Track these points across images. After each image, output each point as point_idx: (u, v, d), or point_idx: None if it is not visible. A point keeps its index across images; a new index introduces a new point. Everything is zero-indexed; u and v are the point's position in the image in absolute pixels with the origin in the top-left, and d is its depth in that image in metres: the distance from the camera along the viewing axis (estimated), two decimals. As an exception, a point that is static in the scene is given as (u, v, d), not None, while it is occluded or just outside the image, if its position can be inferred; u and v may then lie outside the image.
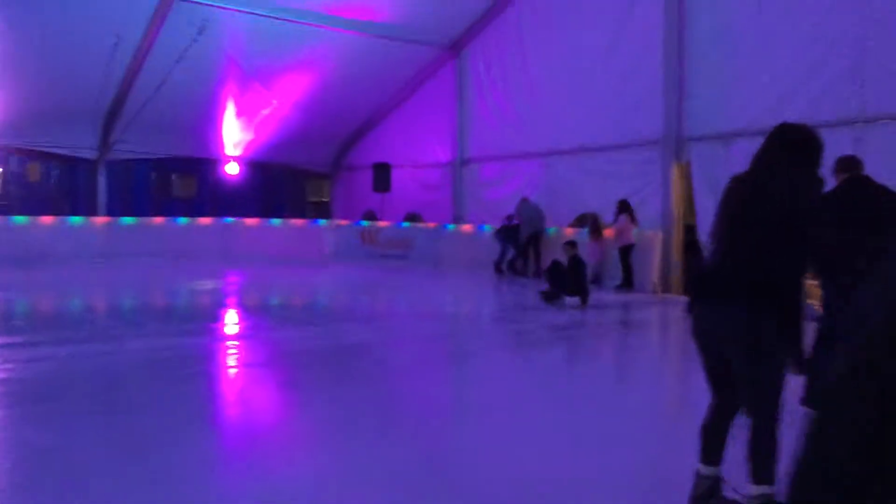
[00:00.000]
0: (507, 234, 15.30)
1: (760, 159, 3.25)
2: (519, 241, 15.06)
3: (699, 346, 3.26)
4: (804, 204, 3.06)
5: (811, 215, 3.09)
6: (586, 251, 12.55)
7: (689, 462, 4.31)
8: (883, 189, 4.96)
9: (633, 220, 13.12)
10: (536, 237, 14.83)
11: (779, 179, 3.11)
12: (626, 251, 13.10)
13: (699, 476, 3.33)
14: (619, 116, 13.83)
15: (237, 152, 20.16)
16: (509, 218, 15.34)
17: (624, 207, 13.16)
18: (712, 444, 3.31)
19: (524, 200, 15.10)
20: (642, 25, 13.43)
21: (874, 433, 0.84)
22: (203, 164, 20.34)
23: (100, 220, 17.58)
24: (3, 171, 17.47)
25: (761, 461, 3.03)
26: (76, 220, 17.10)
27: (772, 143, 3.25)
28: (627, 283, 13.06)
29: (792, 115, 11.00)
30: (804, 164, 3.16)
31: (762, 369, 3.04)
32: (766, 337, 2.98)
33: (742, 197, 3.18)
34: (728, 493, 3.32)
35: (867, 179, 5.11)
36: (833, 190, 4.97)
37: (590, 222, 13.91)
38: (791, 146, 3.20)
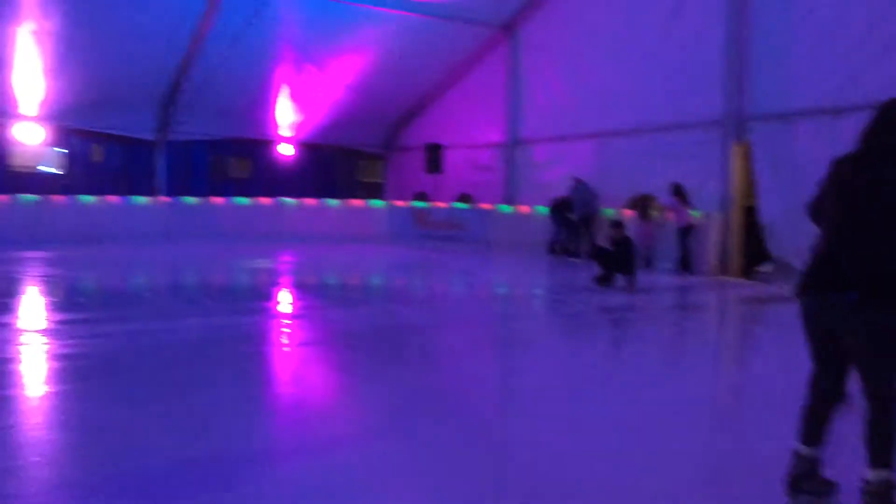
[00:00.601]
0: (560, 214, 15.14)
1: (873, 140, 3.14)
2: (571, 222, 14.90)
3: (809, 332, 3.28)
4: None
5: None
6: (634, 233, 12.33)
7: (748, 447, 4.20)
8: None
9: (684, 202, 12.85)
10: (589, 218, 14.64)
11: (888, 162, 3.03)
12: (683, 233, 12.85)
13: (798, 456, 3.34)
14: (678, 96, 13.49)
15: (291, 134, 20.36)
16: (558, 200, 15.16)
17: (675, 191, 12.91)
18: (814, 425, 3.32)
19: (578, 181, 14.90)
20: (703, 1, 13.05)
21: None
22: (257, 146, 20.60)
23: (161, 200, 18.00)
24: (69, 152, 17.98)
25: (880, 445, 3.04)
26: (139, 199, 17.55)
27: (885, 122, 3.13)
28: (685, 265, 12.81)
29: (861, 95, 10.69)
30: None
31: (882, 358, 3.05)
32: (886, 327, 2.99)
33: (858, 183, 3.08)
34: (825, 474, 3.33)
35: None
36: None
37: (638, 204, 13.68)
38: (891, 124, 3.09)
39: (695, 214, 12.92)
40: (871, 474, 3.04)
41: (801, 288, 3.27)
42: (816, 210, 3.36)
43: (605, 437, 4.33)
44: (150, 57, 15.89)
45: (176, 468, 3.66)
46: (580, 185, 14.80)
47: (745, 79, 12.41)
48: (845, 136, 11.97)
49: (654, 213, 13.52)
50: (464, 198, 19.35)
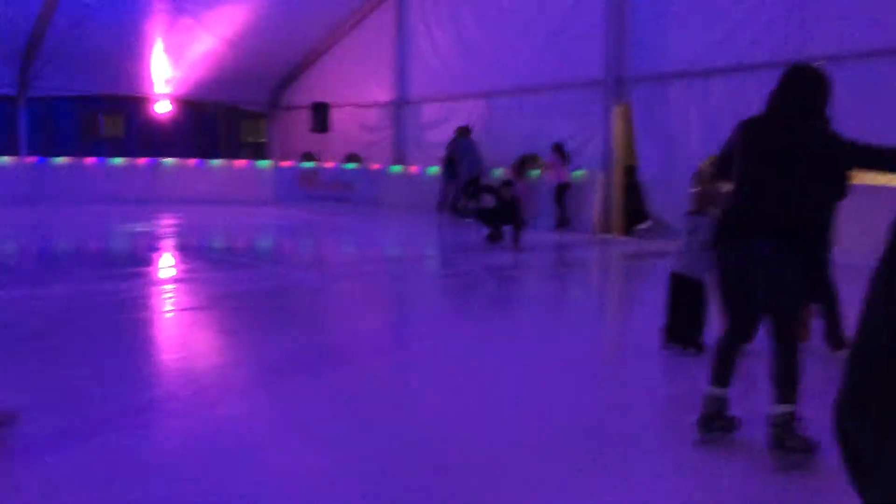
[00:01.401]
0: (448, 173, 15.15)
1: (784, 103, 3.40)
2: (460, 180, 14.91)
3: (722, 276, 3.54)
4: (838, 147, 3.29)
5: (844, 158, 3.35)
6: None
7: (634, 397, 4.39)
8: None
9: (563, 161, 13.20)
10: (477, 178, 14.72)
11: (808, 122, 3.32)
12: (560, 190, 13.23)
13: (709, 397, 3.55)
14: (561, 56, 13.71)
15: (168, 90, 19.35)
16: (446, 158, 15.17)
17: (554, 149, 13.26)
18: (724, 366, 3.55)
19: (463, 137, 14.83)
20: (585, -37, 13.25)
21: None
22: (132, 103, 19.48)
23: (25, 161, 16.74)
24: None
25: (785, 382, 3.31)
26: (-2, 160, 16.27)
27: (791, 85, 3.41)
28: (562, 222, 13.21)
29: (732, 57, 11.19)
30: (821, 105, 3.38)
31: (791, 300, 3.35)
32: (795, 270, 3.29)
33: (775, 145, 3.34)
34: (731, 413, 3.57)
35: None
36: None
37: (518, 163, 13.91)
38: (808, 87, 3.39)
39: (576, 174, 13.26)
40: (777, 409, 3.32)
41: (717, 237, 3.52)
42: (725, 165, 3.62)
43: (494, 393, 4.41)
44: (6, 3, 14.59)
45: (47, 445, 3.45)
46: (467, 143, 14.80)
47: (626, 40, 12.74)
48: (715, 97, 12.55)
49: (533, 172, 13.77)
50: (352, 158, 19.07)
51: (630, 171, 12.98)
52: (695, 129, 11.64)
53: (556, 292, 8.64)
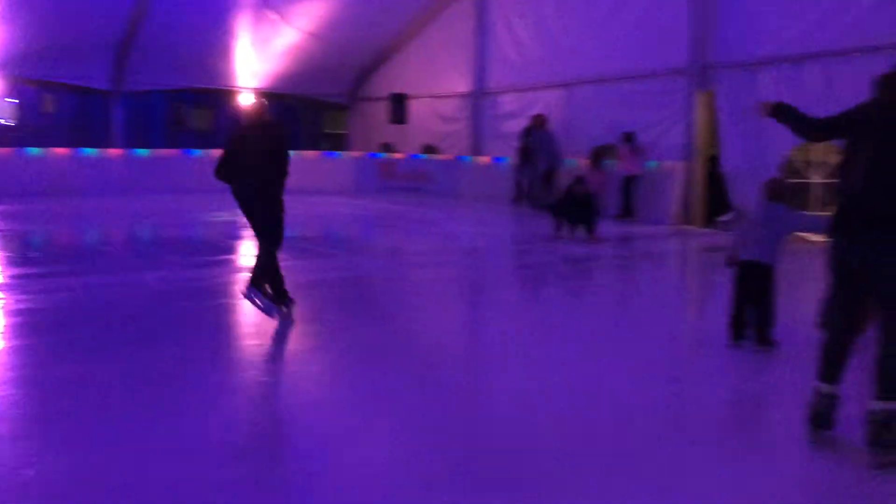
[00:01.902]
0: (523, 161, 15.02)
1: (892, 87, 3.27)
2: (537, 172, 14.77)
3: (836, 268, 3.43)
4: None
5: None
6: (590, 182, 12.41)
7: (713, 392, 4.27)
8: None
9: (635, 150, 12.94)
10: (553, 170, 14.56)
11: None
12: (626, 182, 12.98)
13: (819, 394, 3.48)
14: (643, 45, 13.39)
15: (253, 83, 19.87)
16: (523, 148, 15.05)
17: (626, 139, 13.00)
18: (834, 363, 3.46)
19: (540, 127, 14.68)
20: (669, -52, 12.90)
21: None
22: (218, 96, 20.08)
23: (117, 152, 17.51)
24: (19, 102, 17.36)
25: (889, 378, 3.23)
26: (91, 151, 17.03)
27: None
28: (626, 212, 12.97)
29: (826, 41, 10.68)
30: None
31: None
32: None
33: (884, 131, 3.24)
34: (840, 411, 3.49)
35: None
36: None
37: (594, 153, 13.69)
38: None
39: (651, 165, 12.98)
40: (878, 405, 3.23)
41: (833, 228, 3.43)
42: (830, 130, 3.62)
43: (558, 385, 4.37)
44: (104, 2, 15.27)
45: (136, 422, 3.61)
46: (544, 133, 14.66)
47: (710, 27, 12.34)
48: (806, 84, 12.05)
49: (609, 162, 13.55)
50: (429, 149, 19.16)
51: (713, 161, 12.60)
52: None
53: (630, 285, 8.48)
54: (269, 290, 5.72)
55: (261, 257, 5.71)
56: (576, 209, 10.61)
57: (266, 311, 5.59)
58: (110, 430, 3.51)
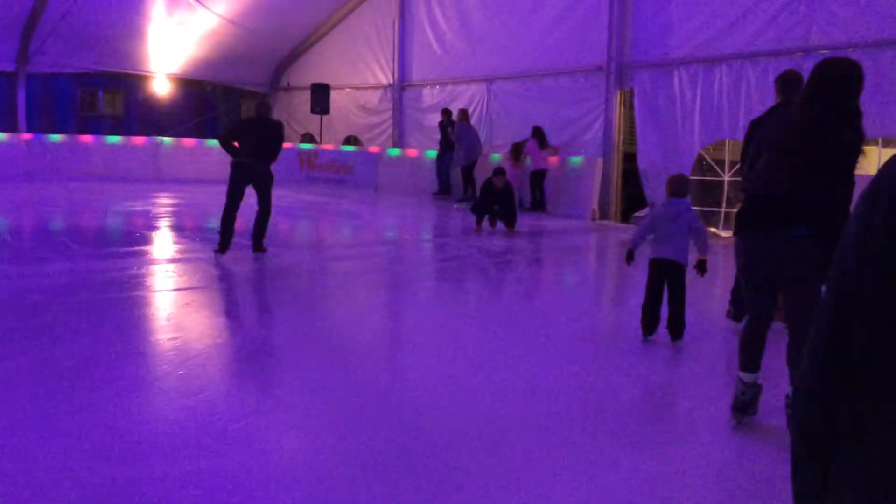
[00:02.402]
0: (445, 154, 15.13)
1: (813, 96, 3.41)
2: (460, 166, 14.87)
3: (748, 263, 3.59)
4: (858, 142, 3.36)
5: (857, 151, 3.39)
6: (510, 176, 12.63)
7: (627, 383, 4.39)
8: None
9: (543, 145, 13.24)
10: (472, 165, 14.70)
11: (836, 119, 3.35)
12: (535, 176, 13.34)
13: (742, 383, 3.67)
14: (564, 42, 13.65)
15: (168, 69, 19.25)
16: (444, 143, 15.16)
17: (534, 133, 13.28)
18: (753, 352, 3.67)
19: (463, 121, 14.79)
20: (589, -53, 13.15)
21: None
22: (131, 81, 19.38)
23: (22, 137, 16.66)
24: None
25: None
26: (-6, 135, 16.18)
27: (821, 80, 3.41)
28: (538, 205, 13.25)
29: (734, 46, 11.12)
30: (848, 98, 3.38)
31: (816, 283, 3.39)
32: (819, 256, 3.35)
33: (804, 134, 3.38)
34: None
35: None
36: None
37: (511, 147, 13.92)
38: (834, 82, 3.39)
39: (574, 160, 13.25)
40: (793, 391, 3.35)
41: (742, 226, 3.60)
42: (751, 163, 3.72)
43: (486, 376, 4.42)
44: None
45: (42, 419, 3.45)
46: (466, 129, 14.75)
47: (628, 28, 12.68)
48: (718, 84, 12.49)
49: (522, 156, 13.83)
50: (351, 140, 18.98)
51: (629, 158, 12.97)
52: (696, 117, 11.61)
53: (548, 279, 8.63)
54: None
55: (262, 217, 8.11)
56: (496, 201, 10.74)
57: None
58: (14, 428, 3.35)
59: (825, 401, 0.89)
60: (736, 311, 5.75)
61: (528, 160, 13.56)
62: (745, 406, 3.67)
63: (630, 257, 5.33)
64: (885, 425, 0.83)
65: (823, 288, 0.94)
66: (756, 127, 5.29)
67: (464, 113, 14.91)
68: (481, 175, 13.36)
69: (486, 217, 10.86)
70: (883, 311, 0.83)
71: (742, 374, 3.68)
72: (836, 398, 0.88)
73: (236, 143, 8.00)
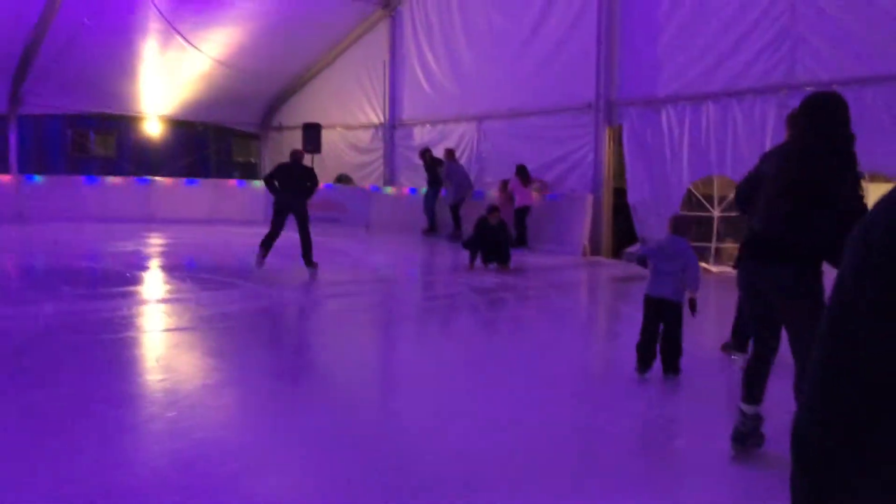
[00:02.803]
0: (433, 193, 15.24)
1: (809, 138, 3.51)
2: (449, 204, 14.94)
3: (748, 296, 3.70)
4: (846, 182, 3.41)
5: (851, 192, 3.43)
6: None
7: (620, 419, 4.35)
8: None
9: (525, 183, 13.32)
10: (461, 202, 14.80)
11: (826, 147, 3.43)
12: (519, 213, 13.48)
13: (744, 415, 3.70)
14: (553, 80, 13.81)
15: (159, 110, 19.36)
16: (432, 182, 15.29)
17: (517, 171, 13.41)
18: (755, 383, 3.70)
19: (451, 160, 14.92)
20: (576, -11, 13.40)
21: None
22: (122, 122, 19.45)
23: (13, 178, 16.63)
24: None
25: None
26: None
27: (808, 111, 3.54)
28: (520, 241, 13.33)
29: (721, 83, 11.27)
30: (835, 125, 3.47)
31: (808, 318, 3.38)
32: (813, 291, 3.40)
33: (791, 174, 3.49)
34: (765, 430, 3.69)
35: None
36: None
37: (500, 184, 14.06)
38: (819, 111, 3.51)
39: (571, 191, 13.32)
40: None
41: (739, 259, 3.72)
42: (746, 197, 3.78)
43: (474, 414, 4.37)
44: (0, 19, 14.59)
45: (28, 465, 3.38)
46: (454, 166, 14.87)
47: (617, 64, 12.85)
48: (705, 121, 12.62)
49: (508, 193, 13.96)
50: (342, 179, 19.04)
51: (619, 194, 13.04)
52: (684, 153, 11.72)
53: (541, 315, 8.61)
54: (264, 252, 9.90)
55: (305, 240, 9.91)
56: (490, 238, 10.75)
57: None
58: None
59: (823, 418, 0.89)
60: (736, 343, 5.76)
61: (515, 197, 13.65)
62: (744, 437, 3.67)
63: (643, 262, 5.40)
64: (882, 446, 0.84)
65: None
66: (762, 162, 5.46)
67: (450, 153, 15.07)
68: (470, 213, 13.44)
69: (480, 255, 10.85)
70: (874, 345, 0.83)
71: (743, 406, 3.70)
72: (832, 416, 0.89)
73: (277, 183, 10.00)
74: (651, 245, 5.45)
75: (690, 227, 5.34)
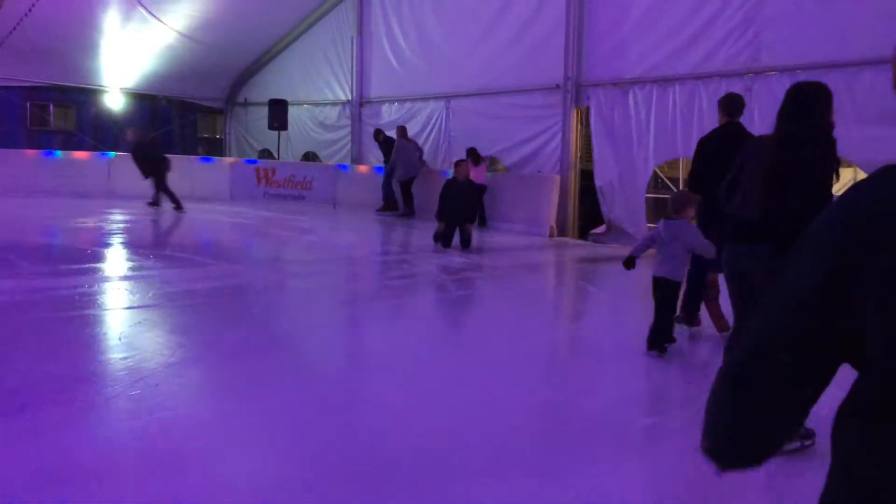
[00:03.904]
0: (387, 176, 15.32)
1: (791, 124, 3.66)
2: (399, 181, 14.98)
3: (733, 277, 3.87)
4: (829, 168, 3.63)
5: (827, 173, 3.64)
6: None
7: (589, 400, 4.42)
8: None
9: (477, 162, 13.43)
10: (412, 179, 14.85)
11: (805, 136, 3.61)
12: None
13: None
14: (521, 60, 13.80)
15: (122, 83, 18.94)
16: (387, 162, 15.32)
17: (470, 153, 13.54)
18: None
19: (402, 137, 14.91)
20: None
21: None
22: (84, 95, 19.00)
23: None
24: None
25: None
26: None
27: (797, 107, 3.67)
28: (481, 221, 13.52)
29: (687, 66, 11.36)
30: (813, 115, 3.64)
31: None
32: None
33: (776, 159, 3.64)
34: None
35: (740, 127, 5.74)
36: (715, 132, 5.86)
37: (455, 165, 14.09)
38: (799, 101, 3.67)
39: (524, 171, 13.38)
40: None
41: (723, 241, 3.93)
42: (731, 187, 3.92)
43: (443, 392, 4.40)
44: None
45: (-19, 443, 3.33)
46: (403, 143, 14.88)
47: (584, 46, 12.87)
48: (671, 103, 12.72)
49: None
50: (309, 156, 18.87)
51: (586, 176, 13.13)
52: (651, 136, 11.82)
53: (508, 295, 8.66)
54: None
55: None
56: (459, 197, 10.76)
57: None
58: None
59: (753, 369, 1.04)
60: (686, 316, 5.91)
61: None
62: None
63: (630, 263, 5.41)
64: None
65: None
66: (706, 145, 5.75)
67: (402, 130, 15.15)
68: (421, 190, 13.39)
69: (451, 218, 10.82)
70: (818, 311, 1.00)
71: None
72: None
73: None
74: (648, 235, 5.58)
75: (689, 202, 5.38)
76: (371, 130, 17.23)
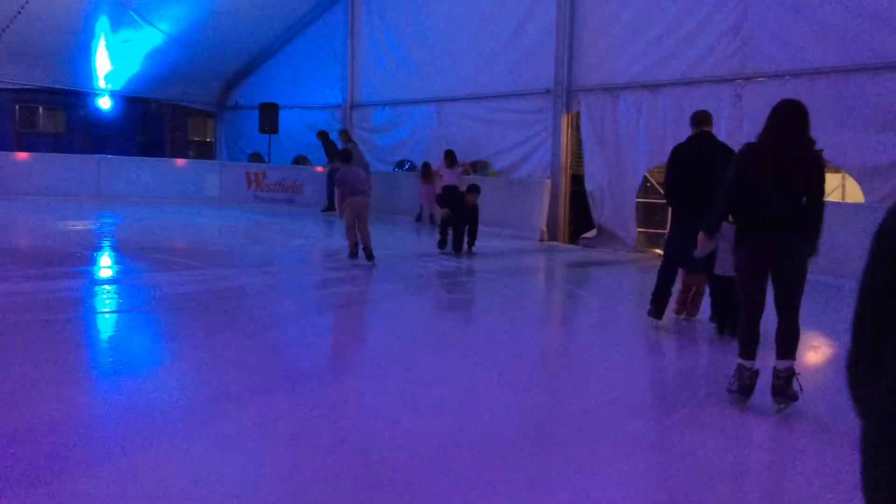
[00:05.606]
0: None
1: (789, 132, 4.22)
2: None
3: (753, 265, 4.27)
4: (815, 160, 4.32)
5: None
6: (420, 194, 14.11)
7: (580, 403, 4.43)
8: (721, 145, 6.29)
9: (451, 166, 13.54)
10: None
11: (809, 149, 4.25)
12: (444, 194, 13.66)
13: (745, 369, 4.26)
14: (512, 65, 13.84)
15: (112, 86, 18.88)
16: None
17: (446, 156, 13.68)
18: (753, 341, 4.30)
19: (347, 141, 14.93)
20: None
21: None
22: (73, 97, 18.92)
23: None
24: None
25: (789, 342, 4.21)
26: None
27: (794, 116, 4.23)
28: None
29: (676, 72, 11.42)
30: (802, 131, 4.23)
31: (803, 277, 4.25)
32: (807, 252, 4.22)
33: (786, 162, 4.20)
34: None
35: (711, 135, 6.35)
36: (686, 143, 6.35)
37: (421, 167, 14.27)
38: (791, 119, 4.22)
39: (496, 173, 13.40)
40: (781, 364, 4.17)
41: (746, 236, 4.28)
42: (732, 187, 4.31)
43: (433, 396, 4.40)
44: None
45: (-31, 447, 3.31)
46: (355, 151, 14.89)
47: (576, 52, 12.92)
48: (661, 109, 12.77)
49: (433, 177, 14.14)
50: (299, 160, 18.85)
51: (576, 180, 13.16)
52: (641, 141, 11.87)
53: (501, 298, 8.68)
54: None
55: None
56: (466, 217, 10.89)
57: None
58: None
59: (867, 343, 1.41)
60: (655, 310, 6.24)
61: (442, 177, 13.80)
62: (749, 389, 4.22)
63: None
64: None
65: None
66: (680, 153, 6.29)
67: (345, 134, 15.51)
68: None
69: (455, 228, 10.93)
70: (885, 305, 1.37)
71: (744, 362, 4.25)
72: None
73: None
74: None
75: None
76: (363, 134, 17.23)
